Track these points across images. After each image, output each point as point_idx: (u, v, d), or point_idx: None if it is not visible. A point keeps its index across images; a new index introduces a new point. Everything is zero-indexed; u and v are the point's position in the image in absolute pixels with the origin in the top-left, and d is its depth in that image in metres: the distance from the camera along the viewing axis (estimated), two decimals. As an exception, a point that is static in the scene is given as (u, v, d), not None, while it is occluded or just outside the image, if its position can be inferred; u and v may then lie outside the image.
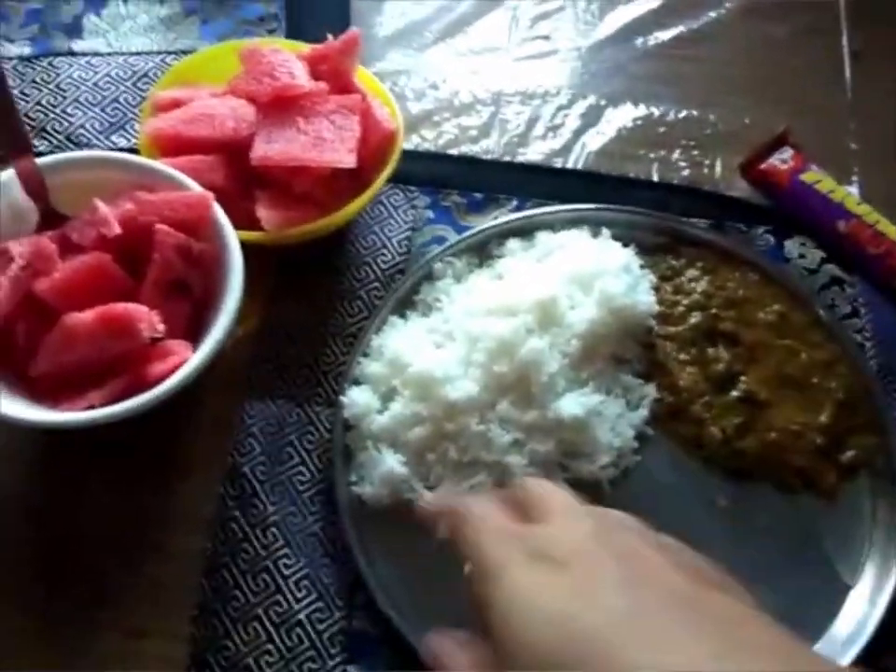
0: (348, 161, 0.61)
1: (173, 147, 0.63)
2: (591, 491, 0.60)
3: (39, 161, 0.59)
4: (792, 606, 0.57)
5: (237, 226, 0.58)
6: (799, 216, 0.72)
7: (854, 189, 0.74)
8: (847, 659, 0.55)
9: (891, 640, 0.56)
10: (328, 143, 0.61)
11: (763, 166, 0.72)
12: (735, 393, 0.62)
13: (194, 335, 0.56)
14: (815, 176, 0.71)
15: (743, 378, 0.63)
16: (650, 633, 0.36)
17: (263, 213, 0.60)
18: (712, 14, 0.84)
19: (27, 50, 0.77)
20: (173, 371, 0.53)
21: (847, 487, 0.61)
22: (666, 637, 0.35)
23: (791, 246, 0.71)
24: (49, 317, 0.54)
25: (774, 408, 0.62)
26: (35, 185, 0.59)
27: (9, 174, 0.58)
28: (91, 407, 0.52)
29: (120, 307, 0.53)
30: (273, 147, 0.61)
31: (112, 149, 0.71)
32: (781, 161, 0.72)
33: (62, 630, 0.55)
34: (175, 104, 0.65)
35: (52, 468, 0.60)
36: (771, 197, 0.73)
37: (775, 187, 0.72)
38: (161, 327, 0.54)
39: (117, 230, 0.56)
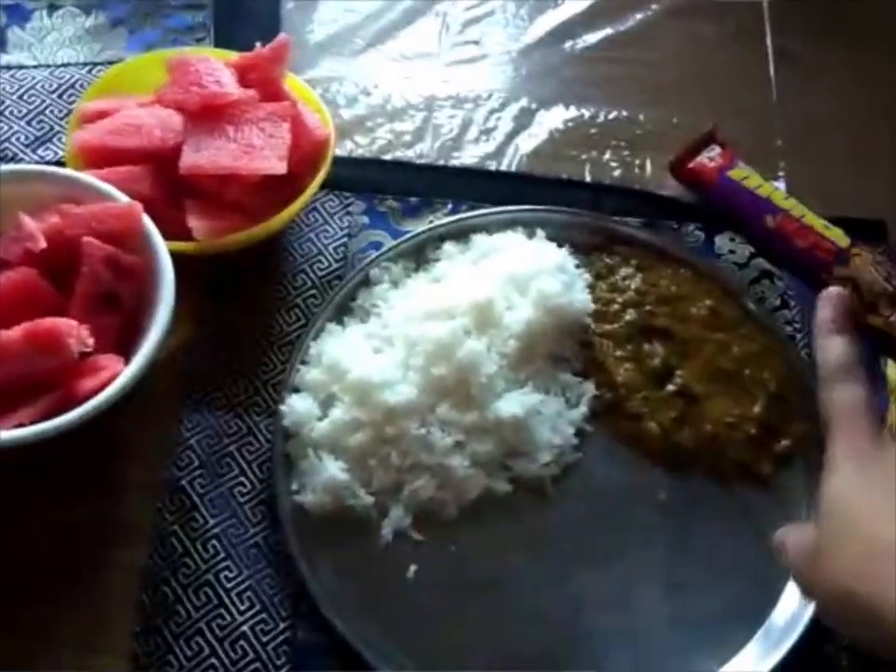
0: (279, 168, 0.61)
1: (99, 158, 0.62)
2: (533, 489, 0.60)
3: (-39, 176, 0.58)
4: (733, 595, 0.58)
5: (168, 237, 0.57)
6: (728, 212, 0.73)
7: (781, 185, 0.75)
8: (786, 646, 0.56)
9: (830, 628, 0.57)
10: (257, 150, 0.61)
11: (691, 164, 0.74)
12: (670, 387, 0.63)
13: (126, 348, 0.55)
14: (742, 173, 0.73)
15: (678, 372, 0.64)
16: None
17: (194, 222, 0.60)
18: (639, 16, 0.85)
19: (-50, 65, 0.76)
20: (104, 385, 0.52)
21: (783, 476, 0.62)
22: None
23: (721, 242, 0.72)
24: (-24, 335, 0.53)
25: (709, 401, 0.63)
26: (-44, 200, 0.57)
27: (-70, 189, 0.57)
28: (21, 425, 0.51)
29: (48, 322, 0.52)
30: (202, 156, 0.60)
31: (39, 163, 0.70)
32: (709, 158, 0.73)
33: (8, 649, 0.53)
34: (102, 114, 0.64)
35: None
36: (700, 194, 0.74)
37: (704, 184, 0.73)
38: (90, 341, 0.53)
39: (43, 244, 0.55)
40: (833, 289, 0.55)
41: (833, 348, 0.51)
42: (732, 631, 0.57)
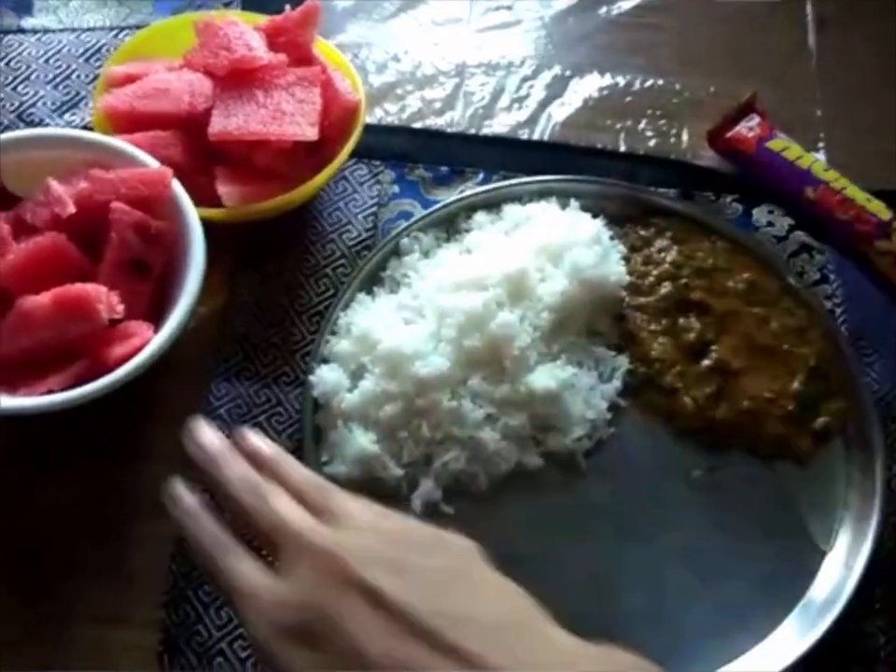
0: (310, 133, 0.60)
1: (128, 123, 0.61)
2: (565, 464, 0.59)
3: (-10, 140, 0.57)
4: (769, 572, 0.57)
5: (197, 203, 0.57)
6: (767, 183, 0.71)
7: (821, 156, 0.74)
8: (824, 624, 0.55)
9: (869, 604, 0.56)
10: (288, 116, 0.60)
11: (729, 134, 0.72)
12: (706, 362, 0.62)
13: (156, 316, 0.55)
14: (782, 144, 0.71)
15: (714, 347, 0.63)
16: None
17: (223, 189, 0.59)
18: (677, -19, 0.83)
19: (-26, 29, 0.75)
20: (134, 353, 0.52)
21: (821, 453, 0.61)
22: None
23: (760, 214, 0.71)
24: (5, 301, 0.52)
25: (746, 376, 0.62)
26: (-16, 164, 0.57)
27: (-41, 154, 0.56)
28: (51, 392, 0.51)
29: (78, 288, 0.52)
30: (231, 122, 0.59)
31: (66, 127, 0.69)
32: (748, 128, 0.72)
33: (36, 620, 0.53)
34: (129, 79, 0.63)
35: (15, 453, 0.58)
36: (739, 165, 0.72)
37: (742, 155, 0.71)
38: (119, 307, 0.52)
39: (71, 209, 0.54)
40: (176, 489, 0.44)
41: (196, 529, 0.42)
42: (769, 608, 0.56)
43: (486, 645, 0.36)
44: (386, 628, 0.36)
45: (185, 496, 0.43)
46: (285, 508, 0.41)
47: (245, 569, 0.40)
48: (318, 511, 0.41)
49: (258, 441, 0.45)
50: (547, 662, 0.37)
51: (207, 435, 0.45)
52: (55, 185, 0.55)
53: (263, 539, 0.41)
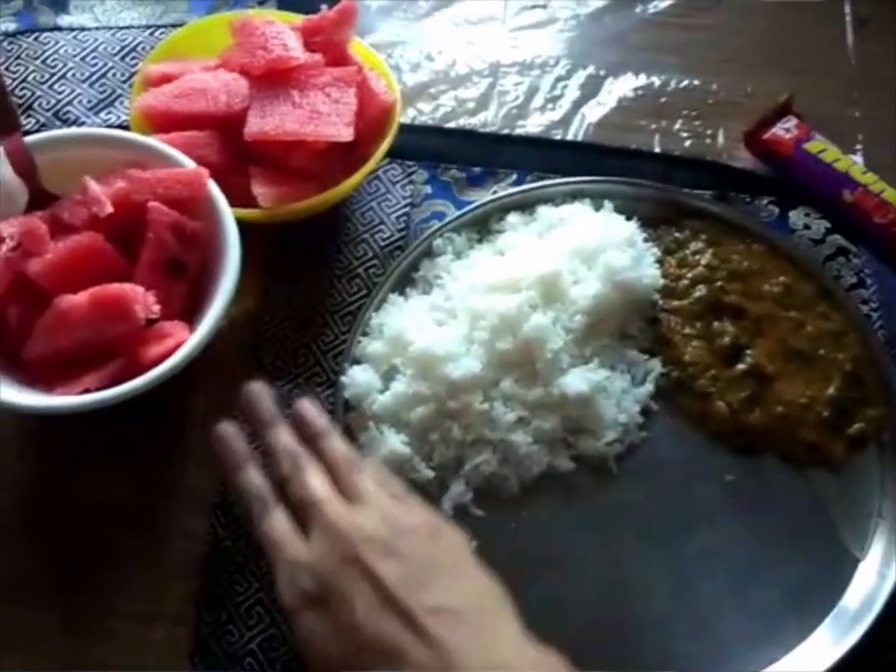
0: (346, 134, 0.60)
1: (164, 122, 0.61)
2: (597, 468, 0.59)
3: (28, 139, 0.58)
4: (801, 580, 0.57)
5: (232, 203, 0.57)
6: (803, 186, 0.70)
7: (859, 158, 0.73)
8: (857, 633, 0.54)
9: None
10: (324, 116, 0.60)
11: (766, 136, 0.71)
12: (741, 366, 0.62)
13: (191, 315, 0.55)
14: (819, 146, 0.70)
15: (749, 351, 0.62)
16: None
17: (259, 189, 0.59)
18: (713, -20, 0.82)
19: (12, 26, 0.76)
20: (169, 353, 0.52)
21: (855, 460, 0.60)
22: None
23: (796, 217, 0.70)
24: (42, 299, 0.53)
25: (781, 381, 0.61)
26: (23, 164, 0.57)
27: (-2, 152, 0.57)
28: (87, 391, 0.51)
29: (114, 288, 0.52)
30: (267, 122, 0.59)
31: (101, 126, 0.70)
32: (785, 130, 0.71)
33: (73, 616, 0.54)
34: (166, 78, 0.63)
35: (51, 452, 0.59)
36: (775, 167, 0.72)
37: (779, 156, 0.71)
38: (156, 308, 0.53)
39: (109, 208, 0.54)
40: (222, 429, 0.51)
41: (246, 483, 0.49)
42: (800, 616, 0.56)
43: (451, 632, 0.42)
44: (373, 601, 0.42)
45: (236, 441, 0.50)
46: (315, 482, 0.47)
47: (282, 530, 0.46)
48: (344, 486, 0.47)
49: (313, 412, 0.51)
50: (497, 659, 0.42)
51: (263, 399, 0.51)
52: (93, 184, 0.55)
53: (295, 505, 0.47)
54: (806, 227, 0.69)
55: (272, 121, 0.59)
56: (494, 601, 0.45)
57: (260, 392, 0.51)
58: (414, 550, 0.45)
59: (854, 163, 0.70)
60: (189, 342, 0.52)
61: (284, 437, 0.50)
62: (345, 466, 0.48)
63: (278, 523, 0.47)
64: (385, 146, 0.62)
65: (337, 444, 0.50)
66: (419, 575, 0.44)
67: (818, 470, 0.60)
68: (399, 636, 0.41)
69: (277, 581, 0.45)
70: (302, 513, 0.47)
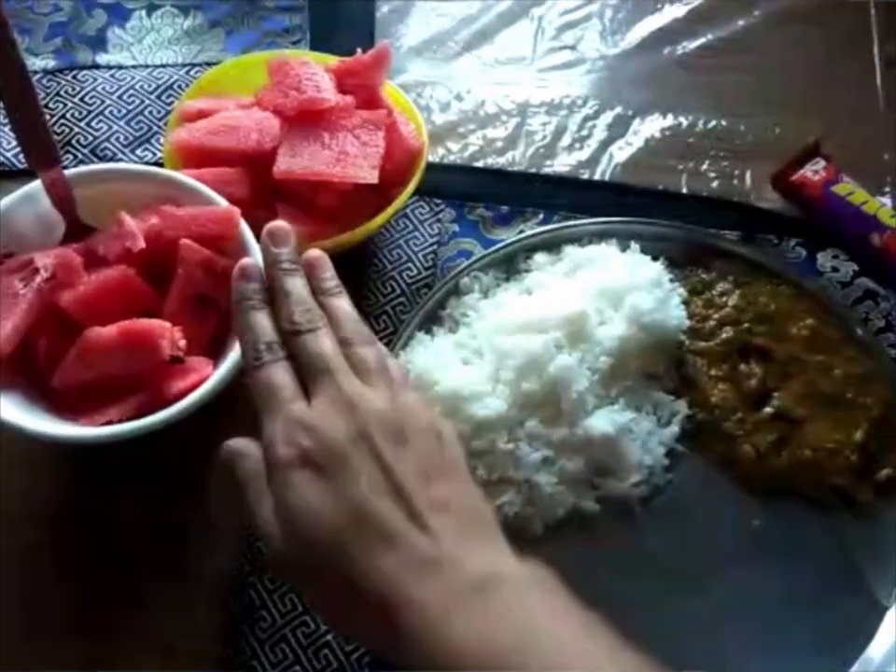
0: (371, 177, 0.61)
1: (196, 157, 0.63)
2: (621, 510, 0.59)
3: (68, 172, 0.59)
4: (827, 627, 0.56)
5: (259, 239, 0.57)
6: (831, 228, 0.70)
7: (888, 201, 0.72)
8: (884, 682, 0.53)
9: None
10: (351, 158, 0.61)
11: (794, 177, 0.71)
12: (768, 409, 0.61)
13: (217, 351, 0.56)
14: (847, 188, 0.70)
15: (776, 394, 0.62)
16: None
17: (284, 228, 0.60)
18: (741, 22, 0.83)
19: (51, 64, 0.77)
20: (193, 388, 0.53)
21: (883, 505, 0.60)
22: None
23: (824, 259, 0.70)
24: (72, 331, 0.54)
25: (808, 425, 0.61)
26: (62, 196, 0.58)
27: (37, 184, 0.58)
28: (111, 422, 0.52)
29: (143, 323, 0.53)
30: (296, 162, 0.60)
31: (137, 163, 0.71)
32: (813, 171, 0.71)
33: (97, 651, 0.54)
34: (202, 114, 0.64)
35: (77, 482, 0.60)
36: (803, 209, 0.72)
37: (807, 198, 0.71)
38: (182, 343, 0.53)
39: (142, 244, 0.55)
40: (247, 261, 0.48)
41: (258, 324, 0.46)
42: (826, 665, 0.55)
43: (451, 528, 0.41)
44: (379, 482, 0.41)
45: (252, 279, 0.47)
46: (328, 344, 0.45)
47: (286, 382, 0.44)
48: (351, 355, 0.46)
49: (327, 265, 0.49)
50: (491, 562, 0.41)
51: (287, 241, 0.48)
52: (128, 219, 0.56)
53: (302, 363, 0.45)
54: (835, 269, 0.69)
55: (300, 161, 0.60)
56: (488, 511, 0.45)
57: (286, 233, 0.49)
58: (423, 445, 0.44)
59: (883, 206, 0.70)
60: (212, 377, 0.53)
61: (300, 285, 0.47)
62: (354, 333, 0.47)
63: (282, 374, 0.45)
64: (410, 188, 0.63)
65: (347, 306, 0.48)
66: (426, 470, 0.43)
67: (845, 516, 0.59)
68: (398, 519, 0.41)
69: (270, 428, 0.43)
70: (309, 374, 0.45)
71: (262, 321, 0.46)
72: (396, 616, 0.39)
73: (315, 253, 0.49)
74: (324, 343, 0.45)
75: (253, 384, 0.45)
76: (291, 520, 0.41)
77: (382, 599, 0.39)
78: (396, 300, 0.67)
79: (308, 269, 0.49)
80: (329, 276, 0.49)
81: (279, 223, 0.49)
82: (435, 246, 0.69)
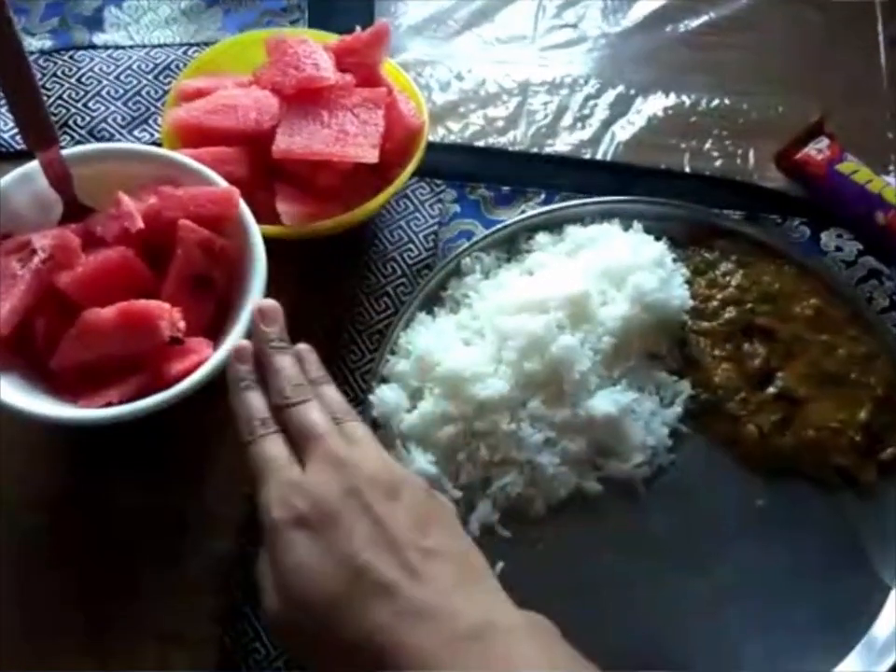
0: (371, 156, 0.60)
1: (195, 137, 0.62)
2: (624, 490, 0.59)
3: (65, 152, 0.58)
4: (831, 607, 0.56)
5: (258, 219, 0.57)
6: (836, 207, 0.70)
7: (892, 180, 0.72)
8: (888, 662, 0.53)
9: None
10: (351, 137, 0.60)
11: (798, 156, 0.71)
12: (771, 389, 0.61)
13: (216, 332, 0.55)
14: (851, 167, 0.70)
15: (780, 374, 0.62)
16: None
17: (283, 207, 0.59)
18: (744, 0, 0.82)
19: (48, 44, 0.77)
20: (193, 369, 0.52)
21: (887, 485, 0.60)
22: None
23: (828, 238, 0.69)
24: (71, 312, 0.53)
25: (812, 404, 0.61)
26: (59, 176, 0.58)
27: (34, 165, 0.58)
28: (110, 404, 0.52)
29: (141, 304, 0.53)
30: (295, 141, 0.60)
31: (135, 143, 0.70)
32: (817, 150, 0.70)
33: (98, 638, 0.54)
34: (200, 93, 0.64)
35: (76, 465, 0.59)
36: (806, 188, 0.71)
37: (810, 177, 0.70)
38: (181, 324, 0.53)
39: (140, 224, 0.55)
40: (242, 343, 0.51)
41: (252, 402, 0.49)
42: (830, 644, 0.55)
43: (445, 576, 0.42)
44: (371, 535, 0.43)
45: (245, 361, 0.50)
46: (317, 414, 0.48)
47: (280, 452, 0.47)
48: (346, 432, 0.48)
49: (313, 358, 0.52)
50: (485, 610, 0.42)
51: (276, 319, 0.52)
52: (126, 200, 0.56)
53: (294, 433, 0.47)
54: (838, 248, 0.69)
55: (299, 140, 0.59)
56: (481, 560, 0.46)
57: (276, 311, 0.52)
58: (414, 501, 0.45)
59: (887, 184, 0.69)
60: (212, 358, 0.52)
61: (290, 363, 0.50)
62: (344, 413, 0.49)
63: (275, 445, 0.47)
64: (410, 168, 0.62)
65: (334, 392, 0.51)
66: (418, 522, 0.44)
67: (849, 495, 0.59)
68: (393, 571, 0.41)
69: (266, 495, 0.45)
70: (301, 442, 0.47)
71: (255, 399, 0.49)
72: (390, 662, 0.39)
73: (302, 346, 0.52)
74: (313, 412, 0.48)
75: (250, 457, 0.47)
76: (288, 584, 0.43)
77: (376, 649, 0.40)
78: (397, 280, 0.66)
79: (298, 361, 0.51)
80: (316, 367, 0.52)
81: (269, 302, 0.52)
82: (436, 227, 0.69)
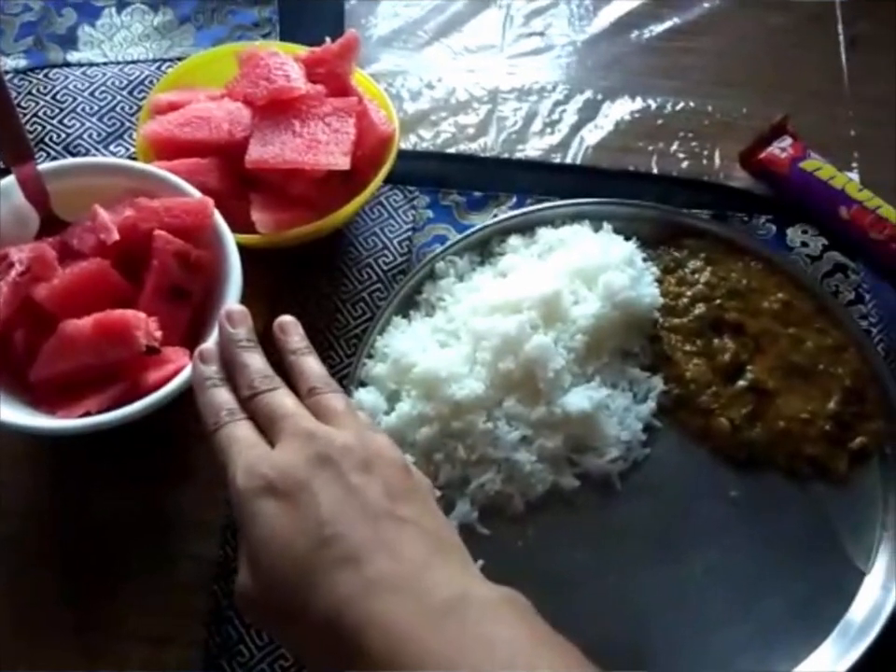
0: (343, 163, 0.61)
1: (169, 149, 0.63)
2: (600, 485, 0.60)
3: (40, 167, 0.59)
4: (807, 594, 0.57)
5: (233, 228, 0.58)
6: (800, 204, 0.71)
7: (854, 176, 0.73)
8: (862, 646, 0.54)
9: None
10: (322, 145, 0.61)
11: (762, 155, 0.72)
12: (742, 383, 0.62)
13: (193, 341, 0.56)
14: (815, 164, 0.71)
15: (750, 367, 0.63)
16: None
17: (257, 216, 0.60)
18: (707, 5, 0.84)
19: (22, 63, 0.77)
20: (170, 377, 0.53)
21: (858, 473, 0.61)
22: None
23: (794, 235, 0.71)
24: (48, 324, 0.54)
25: (782, 396, 0.62)
26: (35, 191, 0.59)
27: (10, 179, 0.58)
28: (88, 414, 0.52)
29: (118, 314, 0.53)
30: (267, 150, 0.61)
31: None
32: (781, 149, 0.72)
33: (85, 640, 0.55)
34: (173, 106, 0.65)
35: (59, 473, 0.60)
36: (771, 186, 0.73)
37: (775, 175, 0.72)
38: (158, 334, 0.54)
39: (116, 236, 0.55)
40: (205, 345, 0.51)
41: (218, 396, 0.48)
42: (806, 630, 0.56)
43: (417, 546, 0.41)
44: (343, 505, 0.41)
45: (210, 362, 0.49)
46: (290, 398, 0.47)
47: (247, 433, 0.45)
48: (317, 405, 0.47)
49: (296, 328, 0.52)
50: (459, 584, 0.40)
51: (243, 322, 0.51)
52: (102, 212, 0.56)
53: (262, 418, 0.46)
54: (804, 244, 0.70)
55: (272, 150, 0.60)
56: (455, 536, 0.45)
57: (243, 315, 0.51)
58: (389, 473, 0.44)
59: (850, 180, 0.71)
60: (188, 367, 0.53)
61: (258, 359, 0.49)
62: (324, 384, 0.48)
63: (243, 429, 0.46)
64: (382, 174, 0.63)
65: (316, 363, 0.50)
66: (391, 495, 0.43)
67: (821, 485, 0.61)
68: (364, 540, 0.40)
69: (232, 471, 0.44)
70: (270, 426, 0.46)
71: (222, 394, 0.48)
72: (364, 643, 0.38)
73: (286, 318, 0.52)
74: (284, 397, 0.47)
75: (214, 443, 0.46)
76: (258, 558, 0.41)
77: (348, 626, 0.38)
78: (372, 286, 0.67)
79: (279, 331, 0.51)
80: (300, 338, 0.51)
81: (236, 306, 0.52)
82: (410, 233, 0.70)
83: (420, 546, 0.41)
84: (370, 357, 0.63)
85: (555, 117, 0.77)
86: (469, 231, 0.68)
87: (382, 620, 0.38)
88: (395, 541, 0.41)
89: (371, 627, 0.38)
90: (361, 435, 0.45)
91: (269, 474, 0.42)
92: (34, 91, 0.75)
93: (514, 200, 0.72)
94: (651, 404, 0.62)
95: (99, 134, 0.73)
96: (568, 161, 0.75)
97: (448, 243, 0.67)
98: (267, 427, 0.46)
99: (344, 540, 0.40)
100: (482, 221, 0.69)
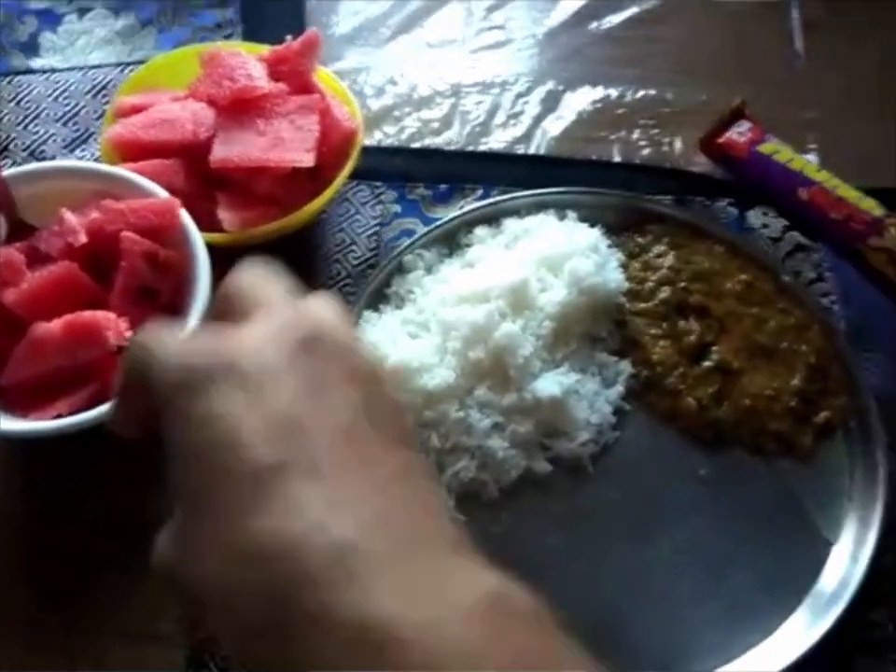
0: (307, 160, 0.62)
1: (133, 151, 0.63)
2: (573, 468, 0.61)
3: (6, 172, 0.59)
4: (776, 567, 0.58)
5: (200, 228, 0.58)
6: (760, 186, 0.72)
7: (812, 157, 0.75)
8: (833, 614, 0.55)
9: (877, 594, 0.57)
10: (286, 143, 0.62)
11: (721, 140, 0.73)
12: (707, 363, 0.63)
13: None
14: (773, 147, 0.72)
15: (715, 348, 0.64)
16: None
17: (224, 214, 0.61)
18: (664, -7, 0.85)
19: (-16, 70, 0.77)
20: None
21: (824, 448, 0.62)
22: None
23: (754, 217, 0.72)
24: (18, 328, 0.54)
25: (747, 375, 0.63)
26: (2, 197, 0.59)
27: (-25, 186, 0.58)
28: (60, 416, 0.53)
29: (87, 315, 0.54)
30: (232, 149, 0.61)
31: (76, 162, 0.71)
32: (739, 133, 0.73)
33: (66, 639, 0.55)
34: (136, 109, 0.65)
35: (34, 474, 0.60)
36: (731, 170, 0.74)
37: (734, 160, 0.73)
38: (128, 334, 0.54)
39: (83, 238, 0.56)
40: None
41: None
42: (777, 602, 0.57)
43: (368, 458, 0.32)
44: (312, 402, 0.32)
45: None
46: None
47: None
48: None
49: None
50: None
51: None
52: (69, 215, 0.57)
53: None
54: (765, 226, 0.72)
55: (236, 148, 0.61)
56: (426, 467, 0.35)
57: None
58: (374, 391, 0.34)
59: (808, 162, 0.72)
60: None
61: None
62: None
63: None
64: (347, 170, 0.64)
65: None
66: (373, 418, 0.33)
67: (787, 460, 0.62)
68: (320, 453, 0.31)
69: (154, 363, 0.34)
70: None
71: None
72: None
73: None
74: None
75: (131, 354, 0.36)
76: (211, 428, 0.31)
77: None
78: (342, 281, 0.68)
79: None
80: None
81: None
82: (378, 228, 0.70)
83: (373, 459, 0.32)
84: (341, 350, 0.63)
85: (518, 109, 0.78)
86: (435, 224, 0.68)
87: (314, 576, 0.28)
88: (349, 455, 0.31)
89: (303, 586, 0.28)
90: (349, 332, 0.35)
91: (207, 361, 0.32)
92: (-3, 99, 0.75)
93: (480, 191, 0.73)
94: (619, 388, 0.63)
95: (64, 139, 0.74)
96: (532, 151, 0.76)
97: (415, 236, 0.68)
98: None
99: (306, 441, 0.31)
100: (448, 214, 0.70)
